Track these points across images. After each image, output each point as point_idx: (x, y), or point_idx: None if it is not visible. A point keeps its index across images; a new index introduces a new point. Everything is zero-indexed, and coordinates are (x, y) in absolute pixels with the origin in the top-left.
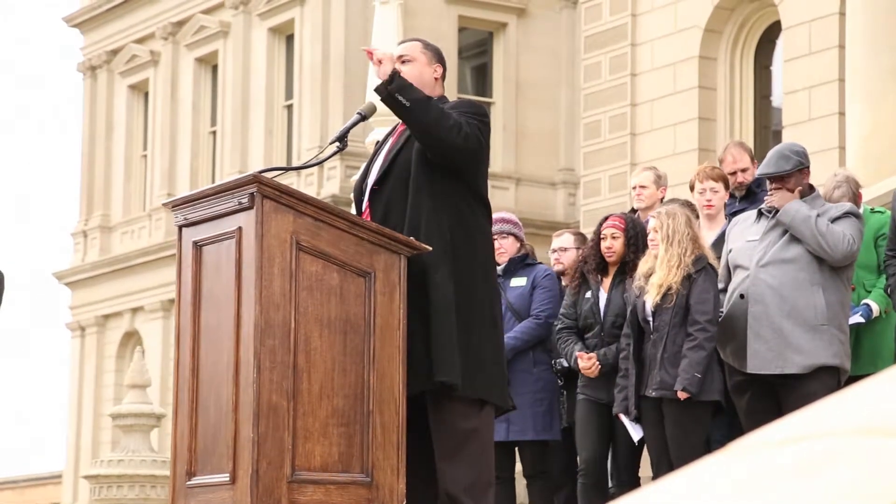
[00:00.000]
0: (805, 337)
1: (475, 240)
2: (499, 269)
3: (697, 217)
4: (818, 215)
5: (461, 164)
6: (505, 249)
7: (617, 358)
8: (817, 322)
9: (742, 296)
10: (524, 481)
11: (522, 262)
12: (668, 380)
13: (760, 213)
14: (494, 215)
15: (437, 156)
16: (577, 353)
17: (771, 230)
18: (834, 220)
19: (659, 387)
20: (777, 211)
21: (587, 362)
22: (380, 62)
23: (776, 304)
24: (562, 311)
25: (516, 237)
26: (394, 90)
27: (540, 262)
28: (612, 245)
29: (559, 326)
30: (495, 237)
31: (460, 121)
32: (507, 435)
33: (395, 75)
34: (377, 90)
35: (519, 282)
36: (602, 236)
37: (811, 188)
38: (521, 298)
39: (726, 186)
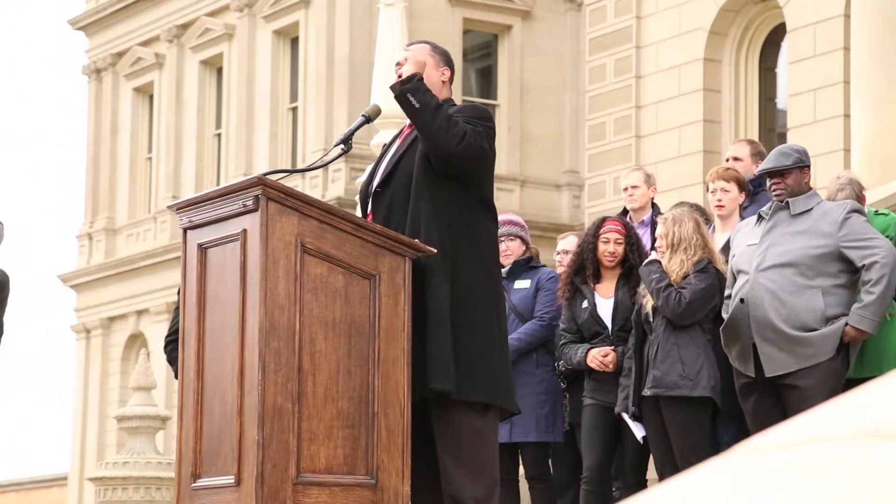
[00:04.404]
0: (805, 337)
1: (478, 244)
2: (503, 270)
3: (708, 221)
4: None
5: (461, 171)
6: (511, 251)
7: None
8: (816, 326)
9: (742, 300)
10: (527, 483)
11: (527, 265)
12: (661, 377)
13: (760, 217)
14: (501, 217)
15: (438, 161)
16: (591, 351)
17: (769, 233)
18: (842, 222)
19: (653, 385)
20: (777, 209)
21: (603, 357)
22: (404, 62)
23: (775, 308)
24: (563, 326)
25: (522, 240)
26: (407, 90)
27: (544, 265)
28: (616, 250)
29: (563, 341)
30: (502, 239)
31: (466, 129)
32: (510, 436)
33: (413, 77)
34: (392, 87)
35: (523, 284)
36: (604, 240)
37: (810, 189)
38: (525, 300)
39: (740, 188)
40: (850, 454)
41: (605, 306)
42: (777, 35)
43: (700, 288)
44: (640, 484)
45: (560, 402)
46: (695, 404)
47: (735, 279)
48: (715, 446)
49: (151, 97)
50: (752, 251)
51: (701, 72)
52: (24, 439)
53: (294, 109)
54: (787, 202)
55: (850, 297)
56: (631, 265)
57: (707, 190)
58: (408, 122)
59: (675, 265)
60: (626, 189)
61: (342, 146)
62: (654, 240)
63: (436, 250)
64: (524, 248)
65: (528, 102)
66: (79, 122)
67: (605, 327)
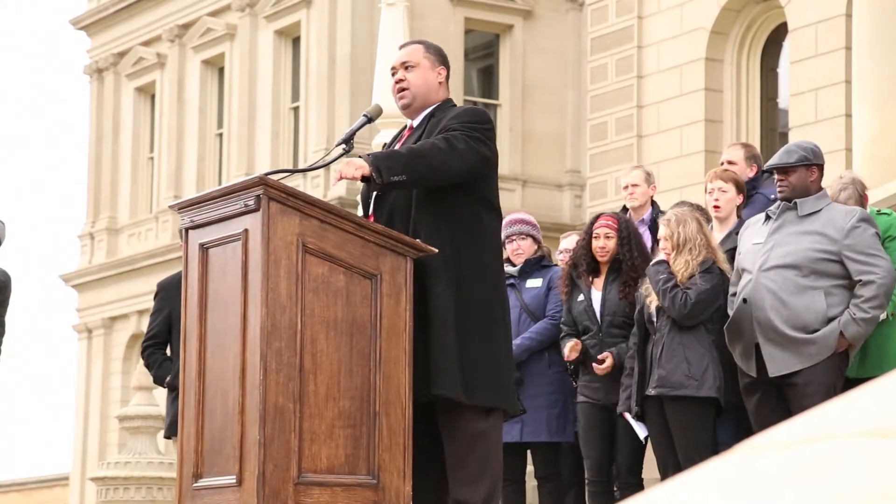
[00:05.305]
0: (807, 338)
1: (481, 247)
2: (515, 269)
3: (708, 220)
4: None
5: (467, 181)
6: (523, 250)
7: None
8: (818, 326)
9: (745, 300)
10: (534, 483)
11: (539, 264)
12: (666, 376)
13: (768, 217)
14: (512, 216)
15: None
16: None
17: (775, 233)
18: (849, 231)
19: (658, 384)
20: (785, 209)
21: (604, 365)
22: (352, 175)
23: (776, 309)
24: (562, 318)
25: (534, 238)
26: (387, 180)
27: (556, 264)
28: (606, 245)
29: (562, 334)
30: (513, 238)
31: (452, 140)
32: (520, 436)
33: (373, 164)
34: (378, 190)
35: (535, 283)
36: (595, 235)
37: (819, 188)
38: (537, 299)
39: (738, 189)
40: (851, 453)
41: (598, 301)
42: (778, 35)
43: (705, 289)
44: (638, 484)
45: (571, 402)
46: (699, 404)
47: (741, 277)
48: (715, 445)
49: (153, 97)
50: (757, 250)
51: (702, 71)
52: (25, 439)
53: (296, 109)
54: (795, 203)
55: (851, 298)
56: (619, 260)
57: (705, 191)
58: (408, 123)
59: (681, 266)
60: (626, 187)
61: (344, 146)
62: (654, 238)
63: (437, 250)
64: (536, 246)
65: (529, 102)
66: (80, 121)
67: (596, 322)
